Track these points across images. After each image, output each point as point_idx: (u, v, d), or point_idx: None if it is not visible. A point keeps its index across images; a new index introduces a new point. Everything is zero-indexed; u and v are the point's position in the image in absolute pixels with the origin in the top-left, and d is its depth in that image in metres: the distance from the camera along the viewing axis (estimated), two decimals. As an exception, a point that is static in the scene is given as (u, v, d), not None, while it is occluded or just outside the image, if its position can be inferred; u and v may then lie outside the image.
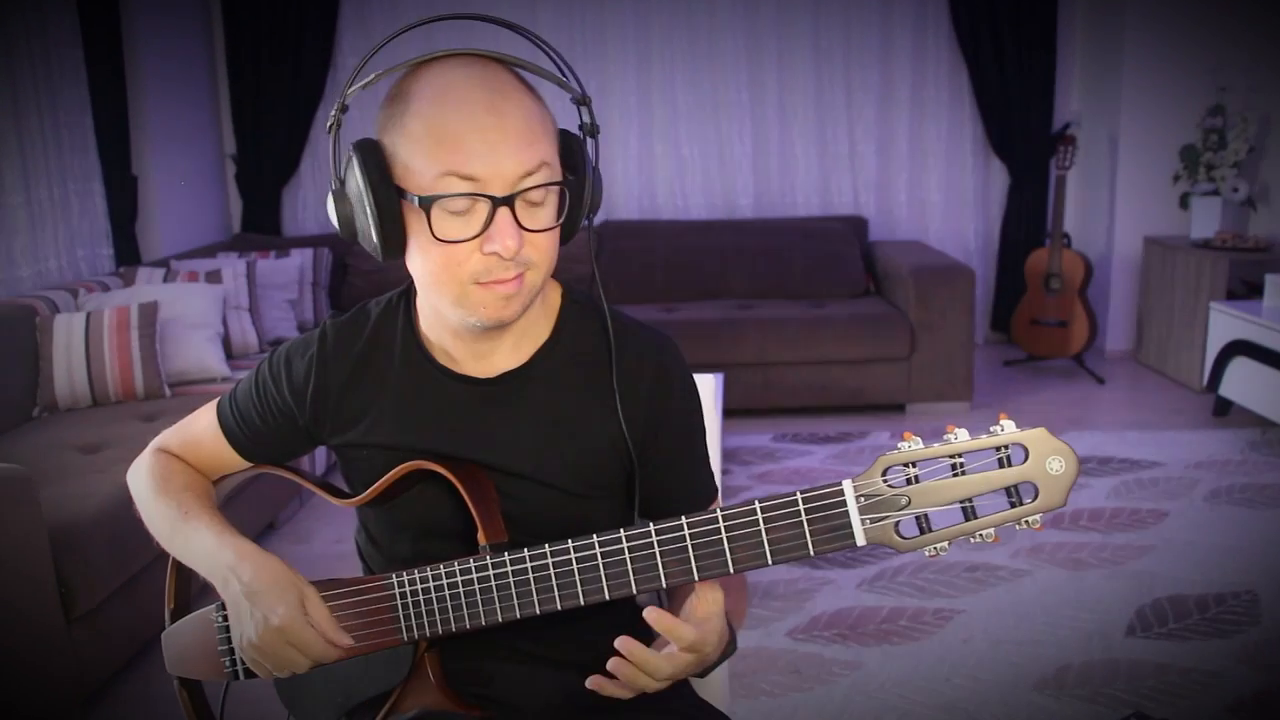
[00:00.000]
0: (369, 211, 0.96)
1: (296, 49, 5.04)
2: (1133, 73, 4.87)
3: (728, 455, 3.84)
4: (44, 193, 3.70)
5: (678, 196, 5.31)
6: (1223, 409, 4.14)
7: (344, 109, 0.99)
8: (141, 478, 1.20)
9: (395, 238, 0.98)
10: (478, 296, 0.97)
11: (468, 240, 0.95)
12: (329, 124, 0.99)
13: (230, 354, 3.71)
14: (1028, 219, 5.25)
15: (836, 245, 4.80)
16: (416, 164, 0.95)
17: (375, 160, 0.96)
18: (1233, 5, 4.71)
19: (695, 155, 5.29)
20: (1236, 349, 3.94)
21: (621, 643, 0.91)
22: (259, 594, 1.00)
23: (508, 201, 0.94)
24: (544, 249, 0.99)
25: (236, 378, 3.47)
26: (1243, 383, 3.93)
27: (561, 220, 1.00)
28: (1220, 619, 2.52)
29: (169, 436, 1.25)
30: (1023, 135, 5.16)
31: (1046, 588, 2.71)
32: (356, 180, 0.96)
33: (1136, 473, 3.53)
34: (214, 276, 3.87)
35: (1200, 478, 3.46)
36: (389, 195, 0.96)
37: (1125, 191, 4.98)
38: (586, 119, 1.02)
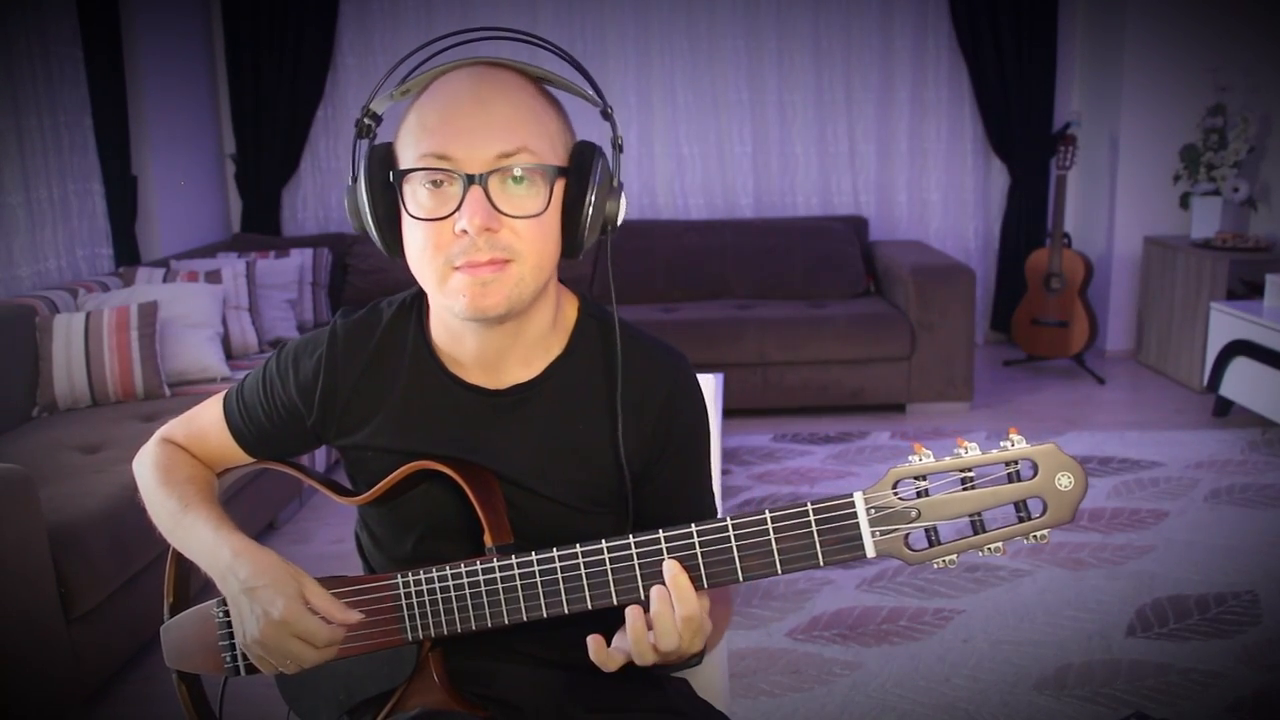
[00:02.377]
0: (365, 199, 1.00)
1: (296, 49, 5.04)
2: (1133, 73, 4.87)
3: (728, 455, 3.84)
4: (44, 193, 3.70)
5: (678, 196, 5.31)
6: (1223, 409, 4.14)
7: (373, 115, 1.03)
8: (146, 467, 1.20)
9: (389, 226, 1.01)
10: (456, 282, 0.97)
11: (441, 219, 0.95)
12: (356, 126, 1.03)
13: (230, 354, 3.71)
14: (1028, 219, 5.25)
15: (836, 245, 4.79)
16: (404, 149, 0.99)
17: (381, 154, 1.01)
18: (1233, 5, 4.71)
19: (695, 155, 5.29)
20: (1237, 349, 3.94)
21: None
22: (258, 590, 1.00)
23: (480, 179, 0.94)
24: (527, 238, 0.96)
25: (236, 378, 3.47)
26: (1243, 383, 3.93)
27: (545, 211, 0.97)
28: (1220, 619, 2.52)
29: (175, 427, 1.24)
30: (1023, 135, 5.15)
31: (1046, 588, 2.71)
32: (360, 172, 1.00)
33: (1136, 473, 3.53)
34: (214, 276, 3.87)
35: (1200, 478, 3.46)
36: (383, 184, 1.00)
37: (1125, 191, 4.98)
38: (611, 133, 1.04)
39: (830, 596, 2.71)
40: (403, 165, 0.98)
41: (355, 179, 1.01)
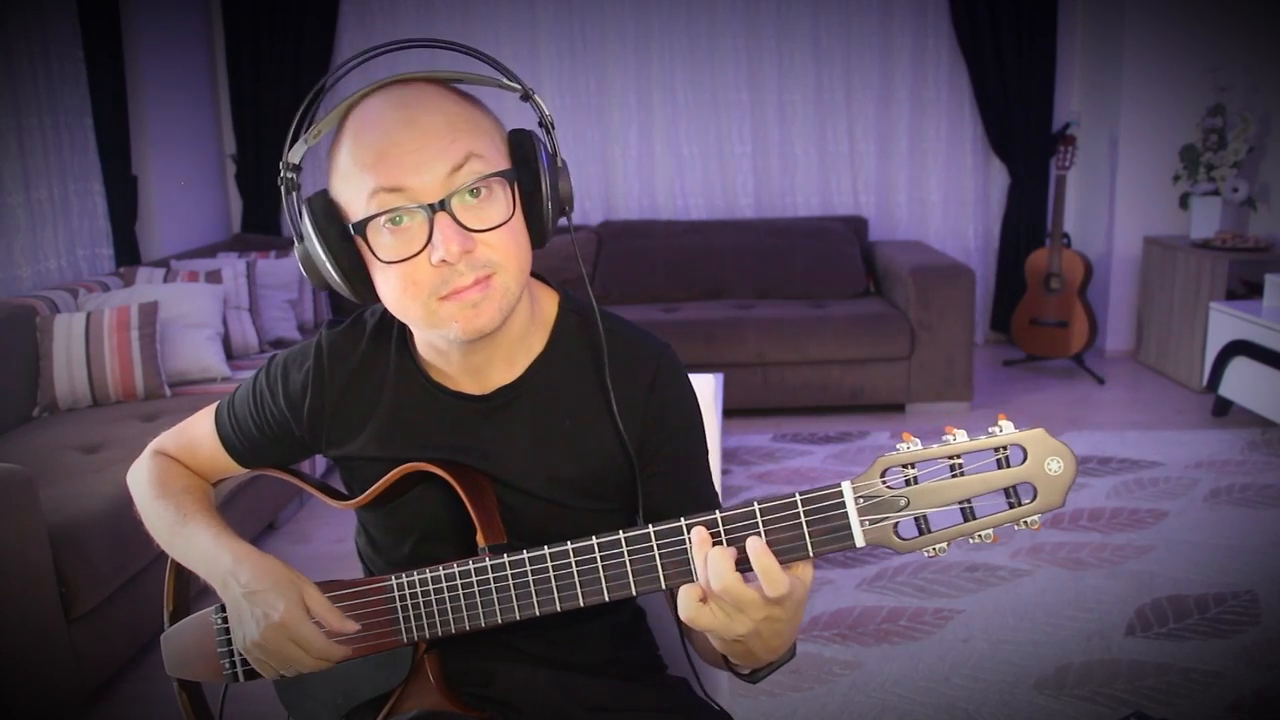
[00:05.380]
0: (325, 258, 0.97)
1: (296, 49, 5.04)
2: (1133, 73, 4.87)
3: (728, 455, 3.84)
4: (44, 193, 3.70)
5: (678, 196, 5.31)
6: (1223, 409, 4.14)
7: (293, 167, 0.99)
8: (141, 480, 1.20)
9: (358, 277, 0.98)
10: (445, 312, 0.95)
11: (415, 256, 0.92)
12: (281, 184, 0.99)
13: (230, 354, 3.71)
14: (1028, 219, 5.25)
15: (836, 245, 4.79)
16: (350, 196, 0.95)
17: (323, 206, 0.97)
18: (1233, 5, 4.71)
19: (695, 155, 5.29)
20: (1236, 349, 3.94)
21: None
22: (259, 593, 1.01)
23: (442, 205, 0.91)
24: (502, 247, 0.94)
25: (237, 377, 3.49)
26: (1243, 383, 3.93)
27: (513, 215, 0.95)
28: (1220, 619, 2.52)
29: (167, 439, 1.25)
30: (1023, 135, 5.15)
31: (1046, 588, 2.71)
32: (308, 230, 0.97)
33: (1136, 473, 3.53)
34: (214, 276, 3.87)
35: (1200, 478, 3.46)
36: (338, 236, 0.97)
37: (1125, 191, 4.98)
38: (539, 114, 1.02)
39: (830, 596, 2.71)
40: (352, 212, 0.95)
41: (303, 237, 0.98)
